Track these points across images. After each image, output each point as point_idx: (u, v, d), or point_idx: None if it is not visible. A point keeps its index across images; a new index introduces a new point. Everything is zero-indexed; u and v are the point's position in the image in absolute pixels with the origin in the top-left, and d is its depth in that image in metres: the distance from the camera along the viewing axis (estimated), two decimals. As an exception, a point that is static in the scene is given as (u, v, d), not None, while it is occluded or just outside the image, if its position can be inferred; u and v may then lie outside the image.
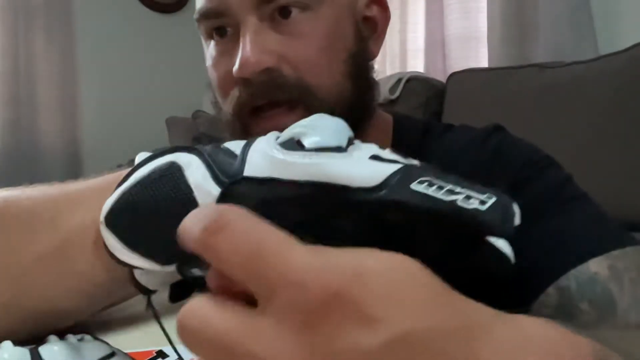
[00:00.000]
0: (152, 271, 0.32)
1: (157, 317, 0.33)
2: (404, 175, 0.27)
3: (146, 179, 0.31)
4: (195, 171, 0.31)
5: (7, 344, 0.34)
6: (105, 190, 0.36)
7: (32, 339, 0.35)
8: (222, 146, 0.33)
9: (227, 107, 0.54)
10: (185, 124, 2.43)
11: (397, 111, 0.63)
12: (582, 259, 0.45)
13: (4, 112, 2.36)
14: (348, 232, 0.28)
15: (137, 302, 0.47)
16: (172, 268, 0.31)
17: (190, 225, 0.22)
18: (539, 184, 0.51)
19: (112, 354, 0.34)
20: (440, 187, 0.26)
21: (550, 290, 0.45)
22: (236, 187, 0.30)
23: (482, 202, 0.25)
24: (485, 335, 0.22)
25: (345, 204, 0.28)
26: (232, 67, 0.50)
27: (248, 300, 0.22)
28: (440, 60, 2.06)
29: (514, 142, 0.57)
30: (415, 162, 0.29)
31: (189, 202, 0.30)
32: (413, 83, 1.84)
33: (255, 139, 0.32)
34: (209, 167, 0.31)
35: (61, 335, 0.36)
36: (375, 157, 0.29)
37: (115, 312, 0.47)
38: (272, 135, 0.32)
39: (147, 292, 0.34)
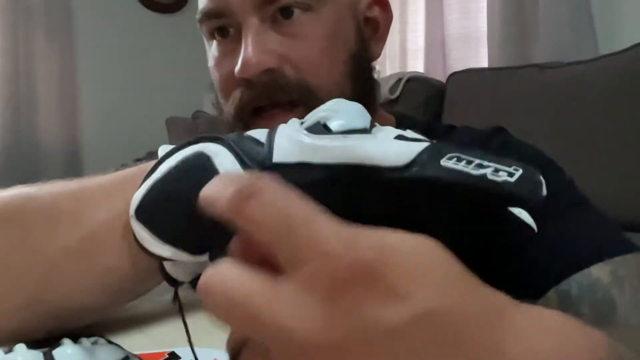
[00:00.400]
0: (182, 262, 0.32)
1: (181, 310, 0.33)
2: (433, 152, 0.27)
3: (175, 170, 0.31)
4: (224, 159, 0.30)
5: (21, 346, 0.34)
6: (128, 184, 0.36)
7: (45, 342, 0.36)
8: (245, 134, 0.33)
9: (229, 107, 0.54)
10: (185, 124, 2.43)
11: (398, 111, 0.63)
12: (584, 264, 0.45)
13: (4, 112, 2.36)
14: (380, 212, 0.28)
15: (149, 302, 0.47)
16: (203, 258, 0.31)
17: (220, 189, 0.22)
18: None
19: (126, 358, 0.34)
20: (469, 162, 0.26)
21: (551, 294, 0.45)
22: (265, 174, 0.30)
23: (510, 174, 0.26)
24: (506, 321, 0.22)
25: (377, 184, 0.28)
26: (234, 67, 0.51)
27: (272, 270, 0.21)
28: (440, 60, 2.06)
29: (516, 144, 0.57)
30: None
31: None
32: (413, 83, 1.84)
33: (277, 127, 0.32)
34: (236, 155, 0.31)
35: (74, 338, 0.36)
36: (400, 137, 0.29)
37: (127, 313, 0.47)
38: (294, 121, 0.32)
39: (176, 283, 0.34)
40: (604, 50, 1.57)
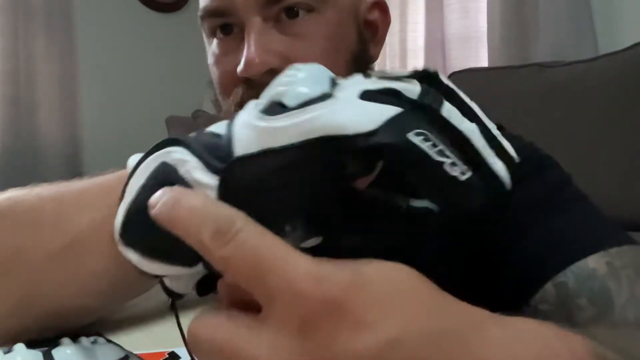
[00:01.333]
0: (181, 275, 0.32)
1: (178, 323, 0.33)
2: (402, 123, 0.26)
3: (144, 189, 0.30)
4: (188, 166, 0.29)
5: (20, 346, 0.34)
6: (112, 188, 0.35)
7: (45, 341, 0.36)
8: (206, 130, 0.31)
9: (229, 105, 0.54)
10: (185, 123, 2.43)
11: None
12: (581, 255, 0.45)
13: (4, 112, 2.36)
14: (357, 177, 0.27)
15: (148, 301, 0.47)
16: (198, 268, 0.31)
17: (197, 224, 0.23)
18: (538, 183, 0.51)
19: (126, 357, 0.34)
20: (434, 145, 0.26)
21: (549, 286, 0.45)
22: (232, 171, 0.28)
23: (462, 173, 0.26)
24: (480, 334, 0.23)
25: (345, 153, 0.26)
26: (236, 66, 0.51)
27: (258, 308, 0.23)
28: (440, 60, 2.06)
29: (514, 141, 0.57)
30: (407, 85, 0.28)
31: None
32: (413, 83, 1.84)
33: (237, 115, 0.31)
34: (199, 157, 0.29)
35: (74, 337, 0.36)
36: (366, 95, 0.27)
37: (127, 313, 0.47)
38: (251, 104, 0.30)
39: (179, 296, 0.34)
40: (604, 50, 1.57)
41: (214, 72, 0.56)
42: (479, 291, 0.49)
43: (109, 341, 0.36)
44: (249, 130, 0.28)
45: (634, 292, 0.44)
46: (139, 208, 0.30)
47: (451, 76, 1.81)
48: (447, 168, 0.26)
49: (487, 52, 1.88)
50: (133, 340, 0.42)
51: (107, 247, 0.37)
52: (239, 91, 0.52)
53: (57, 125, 2.47)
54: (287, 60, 0.51)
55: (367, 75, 0.30)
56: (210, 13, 0.54)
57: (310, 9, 0.52)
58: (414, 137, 0.25)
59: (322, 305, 0.21)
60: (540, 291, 0.46)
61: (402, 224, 0.29)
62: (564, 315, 0.45)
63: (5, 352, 0.34)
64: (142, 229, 0.30)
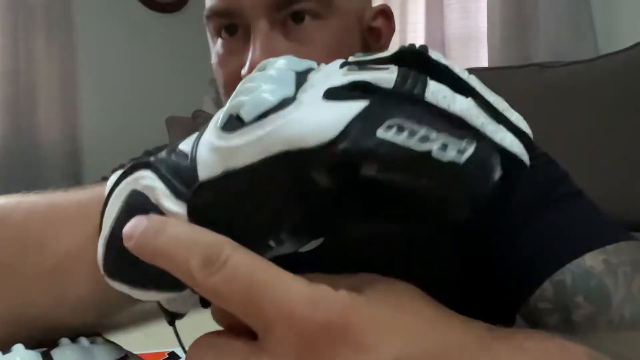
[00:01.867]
0: (176, 297, 0.30)
1: (180, 342, 0.33)
2: (369, 120, 0.22)
3: (119, 220, 0.28)
4: (157, 194, 0.27)
5: (19, 347, 0.34)
6: (90, 208, 0.34)
7: (43, 341, 0.35)
8: (176, 148, 0.29)
9: None
10: (185, 123, 2.43)
11: None
12: (578, 253, 0.46)
13: (4, 112, 2.36)
14: (329, 199, 0.24)
15: (149, 302, 0.47)
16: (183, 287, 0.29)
17: (183, 254, 0.22)
18: (534, 180, 0.51)
19: (125, 357, 0.34)
20: (412, 133, 0.21)
21: (546, 284, 0.46)
22: (197, 198, 0.26)
23: (460, 152, 0.21)
24: (484, 350, 0.22)
25: (310, 168, 0.23)
26: (240, 67, 0.51)
27: (253, 332, 0.23)
28: (440, 60, 2.06)
29: None
30: (382, 74, 0.24)
31: None
32: (413, 83, 1.84)
33: (203, 131, 0.28)
34: (167, 183, 0.27)
35: (73, 337, 0.36)
36: (330, 93, 0.23)
37: (127, 313, 0.47)
38: (214, 119, 0.28)
39: (179, 316, 0.33)
40: (604, 50, 1.57)
41: (218, 72, 0.56)
42: (478, 295, 0.49)
43: (108, 341, 0.36)
44: (209, 151, 0.26)
45: (630, 288, 0.44)
46: (117, 241, 0.27)
47: (451, 76, 1.81)
48: (438, 154, 0.21)
49: (487, 52, 1.88)
50: (133, 340, 0.41)
51: (91, 272, 0.34)
52: None
53: (57, 125, 2.47)
54: None
55: (344, 63, 0.26)
56: (217, 13, 0.54)
57: (316, 15, 0.52)
58: (384, 133, 0.21)
59: (320, 329, 0.21)
60: (538, 289, 0.46)
61: (411, 218, 0.24)
62: (562, 312, 0.45)
63: (4, 352, 0.33)
64: (124, 262, 0.28)
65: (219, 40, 0.55)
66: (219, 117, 0.27)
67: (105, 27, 2.65)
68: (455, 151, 0.21)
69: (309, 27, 0.52)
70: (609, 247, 0.46)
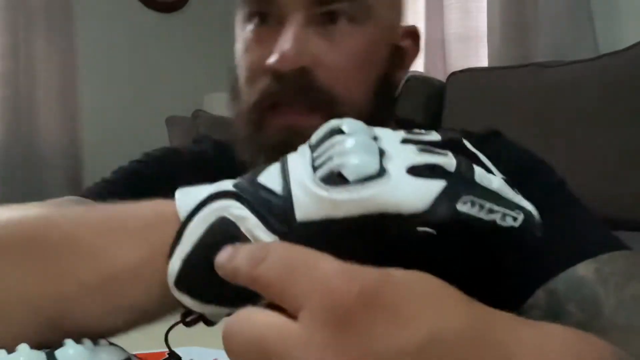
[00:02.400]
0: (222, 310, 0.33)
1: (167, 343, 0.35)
2: (451, 196, 0.29)
3: (203, 241, 0.32)
4: (249, 225, 0.31)
5: (24, 346, 0.34)
6: (151, 227, 0.35)
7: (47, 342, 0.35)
8: (258, 182, 0.33)
9: (251, 94, 0.54)
10: (185, 123, 2.44)
11: (397, 115, 0.63)
12: (571, 262, 0.46)
13: (4, 112, 2.36)
14: (407, 254, 0.30)
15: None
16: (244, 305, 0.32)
17: (231, 259, 0.25)
18: (530, 189, 0.52)
19: (128, 359, 0.34)
20: (482, 206, 0.29)
21: (539, 292, 0.46)
22: (293, 235, 0.30)
23: (514, 219, 0.29)
24: (513, 334, 0.23)
25: (400, 231, 0.29)
26: (267, 55, 0.51)
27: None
28: (440, 60, 2.07)
29: (509, 147, 0.58)
30: (445, 159, 0.31)
31: None
32: (413, 82, 1.84)
33: (288, 167, 0.32)
34: (259, 216, 0.31)
35: (76, 338, 0.36)
36: (414, 170, 0.30)
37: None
38: (307, 164, 0.32)
39: (214, 323, 0.35)
40: (604, 50, 1.57)
41: (243, 59, 0.56)
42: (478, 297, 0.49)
43: (111, 343, 0.36)
44: (309, 196, 0.30)
45: (622, 297, 0.45)
46: (198, 261, 0.32)
47: (451, 76, 1.81)
48: (500, 222, 0.29)
49: (487, 52, 1.88)
50: (133, 340, 0.41)
51: (149, 287, 0.35)
52: (264, 81, 0.52)
53: (57, 126, 2.47)
54: (319, 63, 0.51)
55: (405, 140, 0.32)
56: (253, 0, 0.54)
57: (352, 19, 0.52)
58: (462, 206, 0.28)
59: (357, 299, 0.21)
60: (530, 298, 0.46)
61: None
62: (554, 320, 0.45)
63: (8, 352, 0.34)
64: (200, 280, 0.32)
65: (249, 27, 0.55)
66: (313, 160, 0.32)
67: (105, 27, 2.65)
68: (512, 219, 0.29)
69: (343, 29, 0.52)
70: (603, 257, 0.46)
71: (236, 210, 0.31)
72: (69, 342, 0.34)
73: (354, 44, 0.52)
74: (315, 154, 0.32)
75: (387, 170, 0.30)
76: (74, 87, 2.52)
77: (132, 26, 2.74)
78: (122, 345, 0.37)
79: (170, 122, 2.49)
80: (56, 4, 2.45)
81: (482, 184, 0.30)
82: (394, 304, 0.21)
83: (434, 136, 0.33)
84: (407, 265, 0.29)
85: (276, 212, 0.31)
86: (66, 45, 2.48)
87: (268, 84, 0.52)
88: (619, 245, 0.48)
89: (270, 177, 0.33)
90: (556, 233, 0.48)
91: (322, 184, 0.30)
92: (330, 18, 0.52)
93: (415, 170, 0.30)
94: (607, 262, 0.46)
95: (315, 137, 0.34)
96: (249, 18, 0.55)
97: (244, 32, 0.56)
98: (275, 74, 0.51)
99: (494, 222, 0.29)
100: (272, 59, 0.50)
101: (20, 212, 0.40)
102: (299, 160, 0.33)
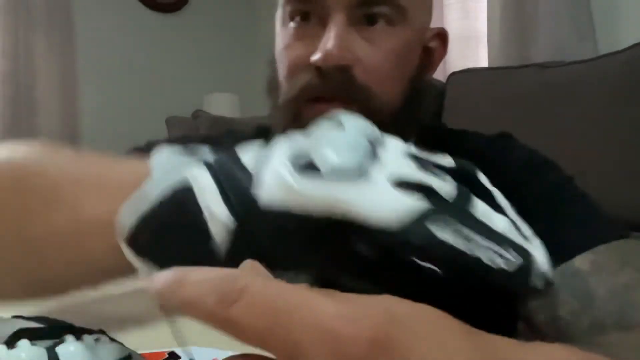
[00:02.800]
0: None
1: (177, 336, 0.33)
2: (431, 220, 0.25)
3: (163, 205, 0.29)
4: (208, 196, 0.28)
5: (24, 342, 0.34)
6: (125, 183, 0.34)
7: (48, 336, 0.36)
8: (239, 158, 0.30)
9: (291, 87, 0.56)
10: (185, 123, 2.44)
11: (425, 118, 0.66)
12: (568, 256, 0.48)
13: (4, 112, 2.36)
14: (362, 272, 0.26)
15: (149, 302, 0.47)
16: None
17: (200, 296, 0.20)
18: (536, 186, 0.54)
19: (129, 356, 0.34)
20: (468, 238, 0.25)
21: None
22: (251, 219, 0.27)
23: (508, 261, 0.25)
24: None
25: (365, 247, 0.25)
26: (308, 52, 0.54)
27: None
28: (440, 60, 2.07)
29: (519, 147, 0.61)
30: (444, 185, 0.27)
31: (203, 229, 0.29)
32: (413, 83, 1.84)
33: (272, 151, 0.30)
34: (222, 191, 0.28)
35: (76, 334, 0.36)
36: (400, 184, 0.26)
37: (126, 312, 0.47)
38: (286, 149, 0.29)
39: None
40: (604, 50, 1.57)
41: (283, 54, 0.58)
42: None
43: (112, 340, 0.36)
44: (277, 182, 0.27)
45: (614, 286, 0.47)
46: (152, 223, 0.29)
47: (451, 76, 1.81)
48: (486, 260, 0.25)
49: (487, 52, 1.88)
50: (133, 340, 0.41)
51: (112, 243, 0.33)
52: (306, 76, 0.55)
53: (57, 125, 2.47)
54: (359, 62, 0.54)
55: (411, 155, 0.29)
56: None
57: (389, 21, 0.55)
58: (442, 233, 0.25)
59: (363, 346, 0.19)
60: None
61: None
62: (549, 308, 0.47)
63: (9, 347, 0.34)
64: (151, 242, 0.29)
65: (290, 25, 0.57)
66: (294, 147, 0.29)
67: (105, 27, 2.65)
68: (504, 261, 0.25)
69: (381, 30, 0.55)
70: (600, 248, 0.48)
71: (202, 179, 0.29)
72: (69, 338, 0.34)
73: (391, 45, 0.56)
74: (305, 143, 0.30)
75: (369, 173, 0.26)
76: (74, 87, 2.52)
77: (132, 26, 2.74)
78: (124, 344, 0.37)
79: (170, 122, 2.49)
80: (56, 4, 2.45)
81: (476, 216, 0.26)
82: (402, 347, 0.19)
83: (447, 161, 0.30)
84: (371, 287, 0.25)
85: (240, 191, 0.28)
86: (66, 45, 2.49)
87: (310, 79, 0.55)
88: (619, 234, 0.50)
89: (251, 155, 0.30)
90: (559, 229, 0.50)
91: (293, 172, 0.27)
92: (369, 20, 0.55)
93: (403, 186, 0.26)
94: (603, 252, 0.48)
95: (313, 127, 0.32)
96: (291, 16, 0.57)
97: (285, 29, 0.58)
98: (318, 70, 0.54)
99: (478, 259, 0.24)
100: (316, 56, 0.53)
101: (7, 151, 0.41)
102: (285, 145, 0.30)
